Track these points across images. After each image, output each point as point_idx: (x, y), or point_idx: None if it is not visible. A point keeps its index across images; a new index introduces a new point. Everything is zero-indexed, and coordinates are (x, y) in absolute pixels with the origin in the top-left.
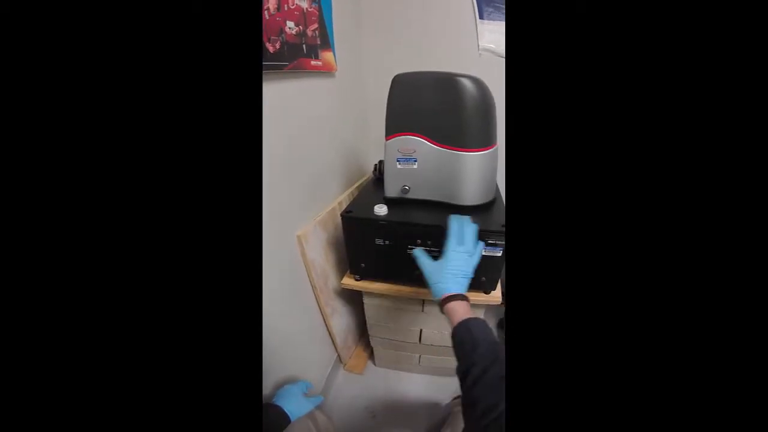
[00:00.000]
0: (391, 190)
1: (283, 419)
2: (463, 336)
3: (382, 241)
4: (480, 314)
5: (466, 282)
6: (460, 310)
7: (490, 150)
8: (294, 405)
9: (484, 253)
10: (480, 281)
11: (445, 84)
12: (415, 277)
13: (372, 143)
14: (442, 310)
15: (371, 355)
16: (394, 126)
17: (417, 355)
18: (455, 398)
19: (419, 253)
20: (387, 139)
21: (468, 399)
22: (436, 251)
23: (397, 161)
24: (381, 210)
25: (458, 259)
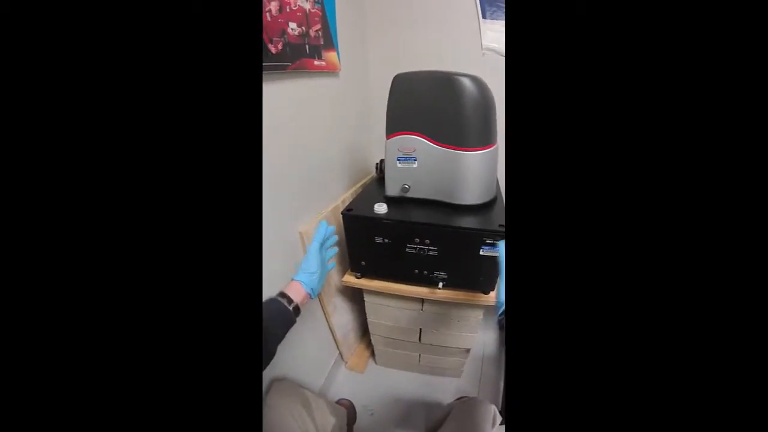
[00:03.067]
0: (392, 188)
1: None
2: None
3: (381, 239)
4: (479, 315)
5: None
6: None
7: (490, 149)
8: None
9: (481, 253)
10: (478, 281)
11: (445, 83)
12: (414, 275)
13: (376, 142)
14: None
15: (373, 353)
16: (395, 125)
17: (417, 354)
18: (459, 398)
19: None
20: (387, 138)
21: None
22: (434, 250)
23: (398, 160)
24: (381, 208)
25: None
